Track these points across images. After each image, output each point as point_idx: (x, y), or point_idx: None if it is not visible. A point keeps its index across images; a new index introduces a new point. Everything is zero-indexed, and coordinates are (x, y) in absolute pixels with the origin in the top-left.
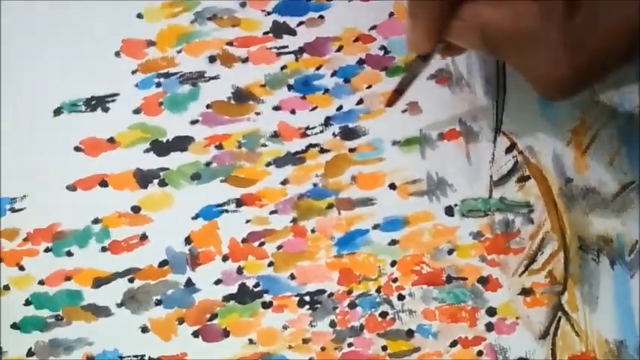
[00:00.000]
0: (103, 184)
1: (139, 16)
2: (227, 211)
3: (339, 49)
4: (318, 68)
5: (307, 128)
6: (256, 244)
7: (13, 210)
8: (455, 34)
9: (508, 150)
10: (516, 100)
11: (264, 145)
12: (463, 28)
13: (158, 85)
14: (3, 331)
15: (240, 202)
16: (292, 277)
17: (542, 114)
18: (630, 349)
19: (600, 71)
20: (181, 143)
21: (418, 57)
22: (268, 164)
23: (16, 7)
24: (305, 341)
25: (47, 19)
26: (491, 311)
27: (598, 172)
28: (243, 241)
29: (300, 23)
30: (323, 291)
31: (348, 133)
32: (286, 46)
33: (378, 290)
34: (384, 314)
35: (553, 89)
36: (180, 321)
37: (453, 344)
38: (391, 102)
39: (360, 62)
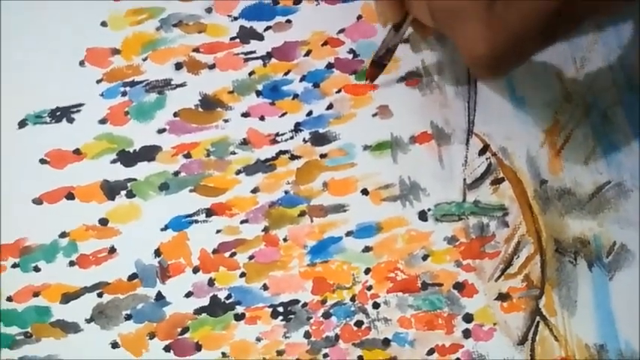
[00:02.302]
0: (70, 196)
1: (103, 24)
2: (197, 221)
3: (308, 53)
4: (286, 73)
5: (277, 135)
6: (227, 254)
7: None
8: (414, 8)
9: (481, 152)
10: (488, 101)
11: (233, 153)
12: (419, 4)
13: (124, 94)
14: None
15: (210, 212)
16: (265, 287)
17: (515, 114)
18: (611, 354)
19: (519, 52)
20: (149, 153)
21: (392, 28)
22: (238, 172)
23: None
24: (279, 353)
25: (9, 28)
26: (468, 317)
27: (573, 173)
28: (214, 251)
29: (268, 28)
30: (297, 301)
31: (319, 139)
32: (254, 52)
33: (353, 299)
34: (359, 323)
35: (477, 67)
36: (151, 336)
37: (430, 352)
38: (371, 76)
39: (329, 66)
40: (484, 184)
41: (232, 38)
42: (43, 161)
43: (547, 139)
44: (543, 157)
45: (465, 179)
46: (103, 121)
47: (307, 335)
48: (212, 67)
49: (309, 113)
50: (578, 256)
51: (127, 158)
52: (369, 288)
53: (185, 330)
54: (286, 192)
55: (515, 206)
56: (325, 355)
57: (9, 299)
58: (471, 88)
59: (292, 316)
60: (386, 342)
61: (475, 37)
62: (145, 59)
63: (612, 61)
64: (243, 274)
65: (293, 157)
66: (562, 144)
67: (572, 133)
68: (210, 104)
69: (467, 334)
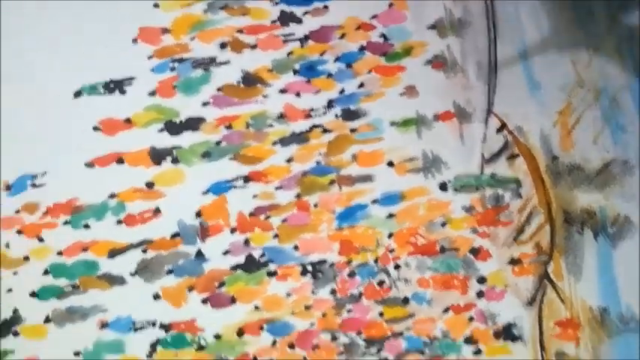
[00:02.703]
0: (120, 161)
1: (156, 5)
2: (235, 186)
3: (342, 36)
4: (322, 54)
5: (311, 110)
6: (262, 217)
7: (34, 185)
8: None
9: (499, 130)
10: (507, 84)
11: (270, 126)
12: None
13: (172, 69)
14: (22, 299)
15: (247, 179)
16: (296, 248)
17: (530, 96)
18: (613, 316)
19: None
20: (193, 123)
21: None
22: (274, 143)
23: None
24: (307, 308)
25: (70, 8)
26: (481, 280)
27: (582, 150)
28: (250, 214)
29: (306, 12)
30: (324, 261)
31: (350, 115)
32: (292, 34)
33: (376, 260)
34: (381, 283)
35: None
36: (191, 289)
37: (446, 310)
38: None
39: (362, 49)
40: (500, 159)
41: (273, 21)
42: (95, 128)
43: (559, 119)
44: (555, 136)
45: (483, 154)
46: (152, 94)
47: (333, 292)
48: (254, 47)
49: (342, 91)
50: (584, 226)
51: (173, 128)
52: (392, 251)
53: (221, 284)
54: (318, 162)
55: (529, 180)
56: (349, 311)
57: (59, 253)
58: (491, 72)
59: (320, 275)
60: (405, 300)
61: None
62: (192, 38)
63: (622, 50)
64: (276, 236)
65: (325, 131)
66: (573, 124)
67: (582, 115)
68: (250, 81)
69: (480, 294)
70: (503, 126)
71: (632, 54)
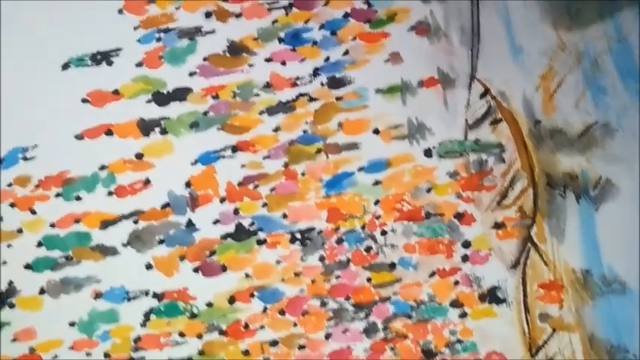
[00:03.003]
0: (109, 132)
1: None
2: (224, 156)
3: (326, 3)
4: (306, 22)
5: (297, 78)
6: (251, 186)
7: (25, 159)
8: None
9: (482, 95)
10: (490, 49)
11: (257, 95)
12: None
13: (158, 39)
14: (17, 271)
15: (235, 148)
16: (284, 216)
17: (513, 61)
18: (595, 277)
19: None
20: (180, 94)
21: None
22: (261, 113)
23: None
24: (296, 274)
25: None
26: (466, 244)
27: (564, 114)
28: (239, 184)
29: None
30: (312, 228)
31: (335, 83)
32: (277, 1)
33: (363, 227)
34: (368, 249)
35: None
36: (182, 258)
37: (432, 275)
38: None
39: (346, 16)
40: (484, 125)
41: None
42: (84, 100)
43: (542, 84)
44: (538, 100)
45: (466, 120)
46: (139, 65)
47: (322, 259)
48: (239, 15)
49: (327, 59)
50: (567, 189)
51: (160, 98)
52: (378, 217)
53: (212, 253)
54: (305, 131)
55: (512, 144)
56: (338, 277)
57: (52, 225)
58: (474, 37)
59: (308, 242)
60: (392, 265)
61: None
62: (177, 8)
63: (604, 13)
64: (265, 204)
65: (311, 99)
66: (555, 88)
67: (564, 79)
68: (236, 50)
69: (465, 258)
70: (486, 91)
71: (613, 17)
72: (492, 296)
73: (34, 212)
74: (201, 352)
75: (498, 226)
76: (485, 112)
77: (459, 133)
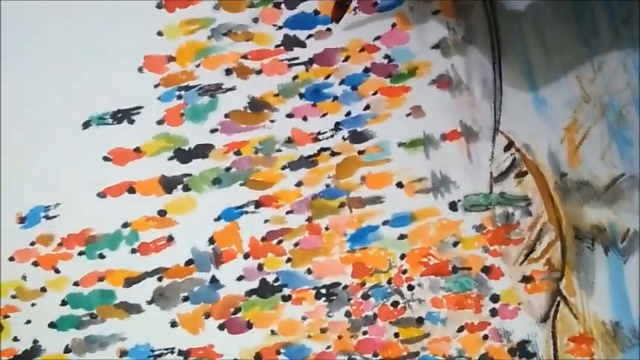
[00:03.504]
0: (131, 190)
1: (160, 33)
2: (247, 212)
3: (346, 59)
4: (327, 77)
5: (319, 133)
6: (275, 242)
7: (48, 217)
8: None
9: (506, 148)
10: (512, 101)
11: (279, 150)
12: None
13: (179, 97)
14: (41, 330)
15: (258, 204)
16: (309, 271)
17: (537, 113)
18: (625, 330)
19: None
20: (202, 150)
21: None
22: (283, 168)
23: (44, 27)
24: (323, 331)
25: (74, 38)
26: (494, 298)
27: (590, 166)
28: (263, 239)
29: (310, 36)
30: (338, 284)
31: (357, 137)
32: (297, 58)
33: (389, 281)
34: (395, 304)
35: None
36: (207, 315)
37: (461, 329)
38: (335, 16)
39: (366, 70)
40: (509, 177)
41: (277, 46)
42: (106, 158)
43: (566, 135)
44: (563, 153)
45: (491, 173)
46: (160, 122)
47: (348, 314)
48: (259, 72)
49: (348, 113)
50: (595, 241)
51: (182, 155)
52: (404, 272)
53: (237, 310)
54: (327, 185)
55: (538, 197)
56: (364, 333)
57: (76, 284)
58: (496, 89)
59: (334, 298)
60: (420, 320)
61: None
62: (198, 65)
63: (627, 64)
64: (289, 260)
65: (333, 154)
66: (580, 140)
67: (589, 131)
68: (257, 106)
69: (494, 312)
70: (510, 144)
71: (637, 67)
72: (522, 350)
73: (57, 271)
74: None
75: (527, 279)
76: (509, 165)
77: (484, 187)
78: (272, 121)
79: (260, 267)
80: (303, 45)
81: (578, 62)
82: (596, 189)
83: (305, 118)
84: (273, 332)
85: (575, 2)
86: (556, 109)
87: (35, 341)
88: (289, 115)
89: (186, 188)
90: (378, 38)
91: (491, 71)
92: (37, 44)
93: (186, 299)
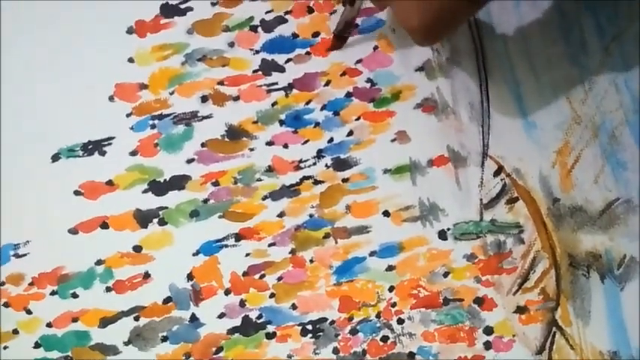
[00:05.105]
0: (104, 225)
1: (130, 60)
2: (227, 245)
3: (327, 83)
4: (307, 103)
5: (300, 161)
6: (257, 276)
7: (17, 255)
8: None
9: (496, 173)
10: (501, 125)
11: (259, 180)
12: None
13: (153, 126)
14: None
15: (239, 237)
16: (294, 307)
17: (527, 137)
18: (623, 359)
19: (448, 21)
20: (178, 182)
21: (347, 3)
22: (264, 198)
23: (10, 54)
24: None
25: (41, 66)
26: (488, 330)
27: (584, 191)
28: (244, 274)
29: (288, 60)
30: (324, 319)
31: (341, 164)
32: (276, 83)
33: (378, 315)
34: (385, 338)
35: (413, 36)
36: (187, 356)
37: None
38: (334, 47)
39: (348, 95)
40: (500, 204)
41: (255, 71)
42: (77, 193)
43: (558, 159)
44: (555, 177)
45: (481, 199)
46: (133, 153)
47: (336, 351)
48: (236, 98)
49: (331, 140)
50: (590, 269)
51: (157, 188)
52: (394, 305)
53: (219, 349)
54: (311, 215)
55: (530, 224)
56: None
57: (49, 325)
58: (484, 113)
59: (321, 334)
60: (411, 355)
61: (409, 10)
62: (171, 93)
63: (618, 84)
64: (272, 295)
65: (316, 182)
66: (572, 164)
67: (581, 153)
68: (235, 134)
69: (488, 345)
70: (500, 169)
71: (629, 88)
72: None
73: (29, 312)
74: None
75: (521, 310)
76: (500, 191)
77: (473, 214)
78: (251, 150)
79: (242, 303)
80: (281, 70)
81: (567, 82)
82: (590, 214)
83: (286, 146)
84: None
85: (563, 20)
86: (546, 131)
87: None
88: (269, 143)
89: (162, 222)
90: (359, 61)
91: (478, 93)
92: (2, 71)
93: (165, 339)
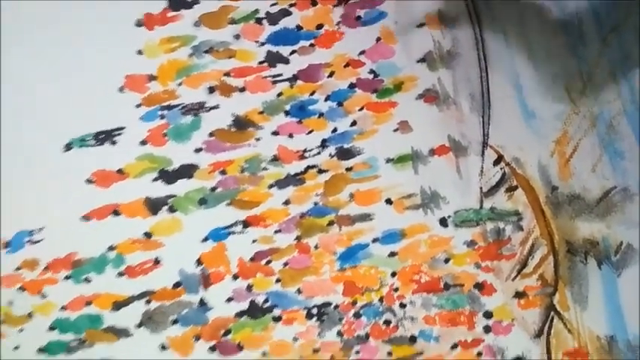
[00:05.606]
0: (116, 213)
1: (140, 52)
2: (234, 232)
3: (331, 74)
4: (312, 94)
5: (305, 151)
6: (263, 262)
7: (32, 242)
8: None
9: (496, 162)
10: (501, 115)
11: (265, 169)
12: None
13: (162, 117)
14: (30, 356)
15: (246, 224)
16: (299, 291)
17: (526, 127)
18: (620, 344)
19: None
20: (187, 171)
21: None
22: (270, 186)
23: (21, 49)
24: (315, 351)
25: (52, 59)
26: (487, 314)
27: (582, 180)
28: (251, 260)
29: (293, 52)
30: (329, 303)
31: (344, 154)
32: (281, 74)
33: (381, 300)
34: (387, 322)
35: None
36: (197, 338)
37: (454, 347)
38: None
39: (352, 86)
40: (499, 192)
41: (260, 62)
42: (89, 181)
43: (557, 148)
44: (554, 166)
45: (481, 188)
46: (143, 143)
47: (340, 334)
48: (242, 89)
49: (334, 130)
50: (588, 255)
51: (167, 176)
52: (396, 290)
53: (227, 332)
54: (315, 203)
55: (529, 211)
56: (357, 352)
57: (63, 308)
58: (484, 103)
59: (325, 317)
60: (413, 338)
61: None
62: (179, 84)
63: (616, 74)
64: (278, 280)
65: (321, 171)
66: (571, 153)
67: (580, 143)
68: (242, 124)
69: (487, 329)
70: (500, 158)
71: (627, 78)
72: None
73: (44, 296)
74: None
75: (520, 295)
76: (499, 180)
77: (474, 202)
78: (257, 139)
79: (249, 288)
80: (286, 61)
81: (566, 73)
82: (587, 202)
83: (291, 136)
84: (264, 354)
85: (562, 12)
86: (545, 121)
87: None
88: (275, 133)
89: (171, 209)
90: (362, 53)
91: (478, 84)
92: (15, 65)
93: (175, 322)
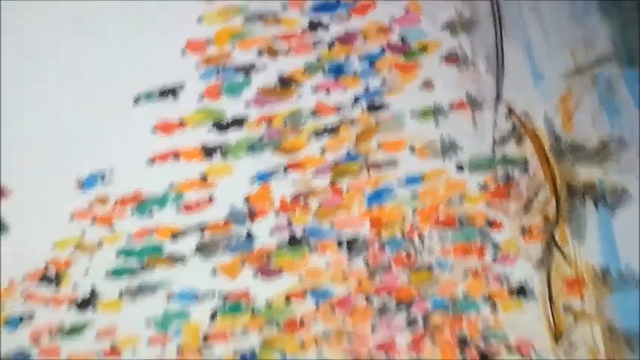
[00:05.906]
0: (176, 157)
1: (200, 19)
2: (277, 175)
3: (365, 39)
4: (347, 56)
5: (340, 106)
6: (302, 201)
7: (104, 182)
8: None
9: (507, 116)
10: (513, 75)
11: (305, 122)
12: None
13: (217, 75)
14: (98, 280)
15: (287, 168)
16: (332, 225)
17: (535, 85)
18: (613, 274)
19: None
20: (238, 122)
21: None
22: (309, 137)
23: (104, 16)
24: (344, 277)
25: (127, 27)
26: (496, 247)
27: (583, 131)
28: (291, 199)
29: (332, 20)
30: (357, 236)
31: (374, 108)
32: (321, 40)
33: (403, 234)
34: (408, 253)
35: None
36: (244, 263)
37: (466, 274)
38: None
39: (382, 49)
40: (510, 142)
41: (303, 29)
42: (154, 129)
43: (561, 104)
44: (558, 119)
45: (494, 137)
46: (201, 97)
47: (366, 263)
48: (287, 52)
49: (366, 88)
50: (586, 197)
51: (220, 126)
52: (416, 226)
53: (270, 259)
54: (348, 151)
55: (535, 159)
56: (381, 278)
57: (129, 238)
58: (499, 65)
59: (354, 248)
60: (430, 267)
61: None
62: (233, 47)
63: (615, 40)
64: (314, 216)
65: (353, 124)
66: (574, 108)
67: (581, 99)
68: (286, 82)
69: (495, 259)
70: (511, 112)
71: (625, 44)
72: (520, 292)
73: (112, 227)
74: (262, 345)
75: (525, 231)
76: (510, 131)
77: (487, 150)
78: (299, 96)
79: (289, 222)
80: (326, 28)
81: (572, 39)
82: (587, 151)
83: (328, 92)
84: (300, 278)
85: None
86: (552, 81)
87: (93, 288)
88: (314, 90)
89: (224, 155)
90: (393, 21)
91: (494, 48)
92: (93, 36)
93: (225, 250)
